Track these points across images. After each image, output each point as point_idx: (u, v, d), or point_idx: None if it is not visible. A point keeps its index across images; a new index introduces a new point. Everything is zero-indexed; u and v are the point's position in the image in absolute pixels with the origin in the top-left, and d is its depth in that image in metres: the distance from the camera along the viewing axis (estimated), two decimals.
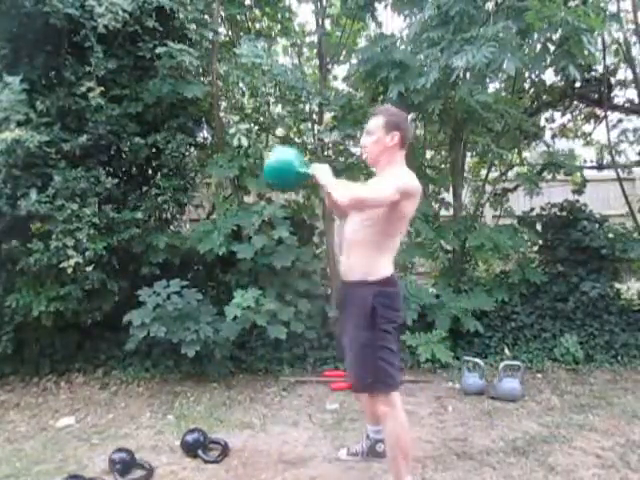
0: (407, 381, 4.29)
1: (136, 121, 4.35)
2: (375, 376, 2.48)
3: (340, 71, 5.87)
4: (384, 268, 2.53)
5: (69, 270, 3.89)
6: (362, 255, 2.53)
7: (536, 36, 3.83)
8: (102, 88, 3.96)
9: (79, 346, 4.66)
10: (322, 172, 2.51)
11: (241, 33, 4.92)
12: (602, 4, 4.34)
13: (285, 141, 5.04)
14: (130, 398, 4.17)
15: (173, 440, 3.37)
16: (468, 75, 4.27)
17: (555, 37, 3.84)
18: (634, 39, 5.33)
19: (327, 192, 2.49)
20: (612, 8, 5.30)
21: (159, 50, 4.04)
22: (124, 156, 4.51)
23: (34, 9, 3.80)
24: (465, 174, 5.64)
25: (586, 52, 3.54)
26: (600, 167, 6.08)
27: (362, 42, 5.62)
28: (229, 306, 4.08)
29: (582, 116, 6.34)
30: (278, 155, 2.66)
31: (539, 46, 3.92)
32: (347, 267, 2.61)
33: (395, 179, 2.44)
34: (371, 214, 2.47)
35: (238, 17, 5.19)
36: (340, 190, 2.40)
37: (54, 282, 4.15)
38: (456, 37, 3.80)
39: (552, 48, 3.83)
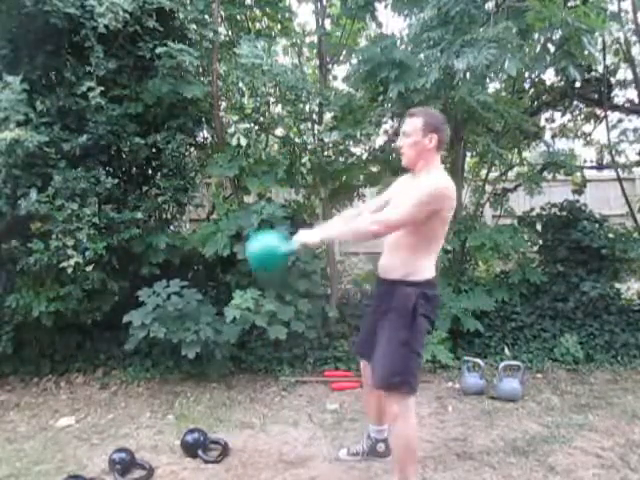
0: None
1: (136, 121, 4.34)
2: (403, 376, 2.49)
3: (340, 71, 5.88)
4: (427, 270, 2.54)
5: (69, 270, 3.88)
6: (405, 256, 2.53)
7: (536, 36, 3.83)
8: (102, 88, 3.96)
9: (79, 346, 4.66)
10: (309, 237, 2.57)
11: (241, 33, 4.91)
12: (602, 4, 4.33)
13: (285, 141, 5.03)
14: (130, 398, 4.17)
15: (173, 440, 3.38)
16: (468, 75, 4.26)
17: (555, 38, 3.84)
18: (634, 39, 5.32)
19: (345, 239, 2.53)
20: (612, 8, 5.32)
21: (159, 50, 4.04)
22: (124, 156, 4.51)
23: (34, 9, 3.79)
24: (465, 174, 5.64)
25: (586, 52, 3.53)
26: (600, 167, 6.08)
27: (362, 42, 5.63)
28: (228, 307, 4.08)
29: (582, 116, 6.33)
30: (259, 245, 2.66)
31: (539, 47, 3.92)
32: (389, 265, 2.61)
33: (426, 190, 2.43)
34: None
35: (238, 17, 5.19)
36: (361, 230, 2.51)
37: (54, 282, 4.15)
38: (456, 38, 3.80)
39: (552, 48, 3.83)
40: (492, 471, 2.92)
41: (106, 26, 3.78)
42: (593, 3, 3.94)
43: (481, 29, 3.70)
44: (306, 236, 2.59)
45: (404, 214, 2.43)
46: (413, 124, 2.53)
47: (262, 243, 2.65)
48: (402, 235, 2.52)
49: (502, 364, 4.13)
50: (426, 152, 2.53)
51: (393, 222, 2.46)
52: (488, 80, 4.70)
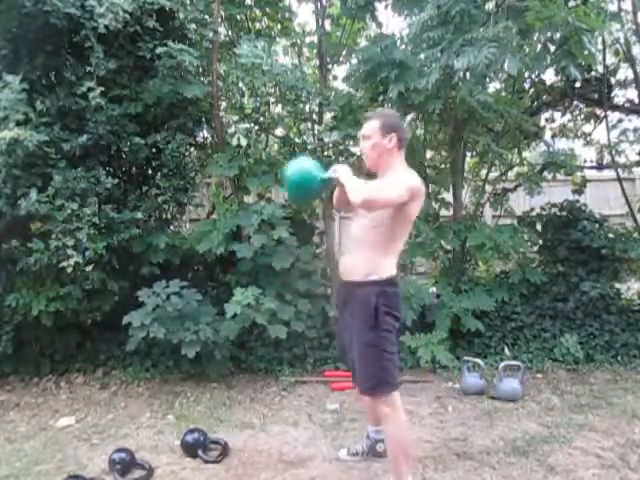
0: (407, 381, 4.30)
1: (136, 121, 4.35)
2: (378, 377, 2.50)
3: (340, 71, 5.87)
4: (388, 269, 2.54)
5: (69, 270, 3.88)
6: (367, 255, 2.53)
7: (536, 36, 3.83)
8: (102, 88, 3.95)
9: (79, 346, 4.66)
10: (343, 172, 2.52)
11: (241, 33, 4.91)
12: (602, 4, 4.33)
13: (285, 141, 5.03)
14: (130, 398, 4.17)
15: (173, 440, 3.38)
16: (468, 75, 4.26)
17: (556, 37, 3.83)
18: (634, 39, 5.32)
19: (344, 191, 2.48)
20: (612, 8, 5.32)
21: (159, 50, 4.04)
22: (124, 156, 4.51)
23: (34, 9, 3.79)
24: (465, 174, 5.64)
25: (586, 52, 3.53)
26: (600, 167, 6.08)
27: (363, 42, 5.62)
28: (229, 303, 4.08)
29: (582, 116, 6.33)
30: (296, 168, 2.63)
31: (539, 46, 3.92)
32: (350, 266, 2.61)
33: (403, 180, 2.46)
34: (379, 215, 2.48)
35: (238, 17, 5.19)
36: (356, 191, 2.40)
37: (54, 282, 4.16)
38: (457, 37, 3.80)
39: (552, 48, 3.83)
40: (492, 471, 2.91)
41: (106, 26, 3.78)
42: (593, 3, 3.95)
43: (481, 29, 3.69)
44: (342, 170, 2.54)
45: (394, 193, 2.41)
46: (371, 126, 2.57)
47: (300, 168, 2.62)
48: (369, 231, 2.53)
49: (502, 364, 4.12)
50: (387, 152, 2.56)
51: (387, 197, 2.42)
52: (488, 80, 4.70)
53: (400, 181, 2.45)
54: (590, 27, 3.43)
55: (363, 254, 2.54)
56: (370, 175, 2.70)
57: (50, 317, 4.18)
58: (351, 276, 2.59)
